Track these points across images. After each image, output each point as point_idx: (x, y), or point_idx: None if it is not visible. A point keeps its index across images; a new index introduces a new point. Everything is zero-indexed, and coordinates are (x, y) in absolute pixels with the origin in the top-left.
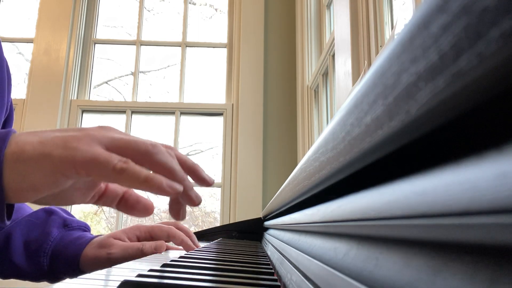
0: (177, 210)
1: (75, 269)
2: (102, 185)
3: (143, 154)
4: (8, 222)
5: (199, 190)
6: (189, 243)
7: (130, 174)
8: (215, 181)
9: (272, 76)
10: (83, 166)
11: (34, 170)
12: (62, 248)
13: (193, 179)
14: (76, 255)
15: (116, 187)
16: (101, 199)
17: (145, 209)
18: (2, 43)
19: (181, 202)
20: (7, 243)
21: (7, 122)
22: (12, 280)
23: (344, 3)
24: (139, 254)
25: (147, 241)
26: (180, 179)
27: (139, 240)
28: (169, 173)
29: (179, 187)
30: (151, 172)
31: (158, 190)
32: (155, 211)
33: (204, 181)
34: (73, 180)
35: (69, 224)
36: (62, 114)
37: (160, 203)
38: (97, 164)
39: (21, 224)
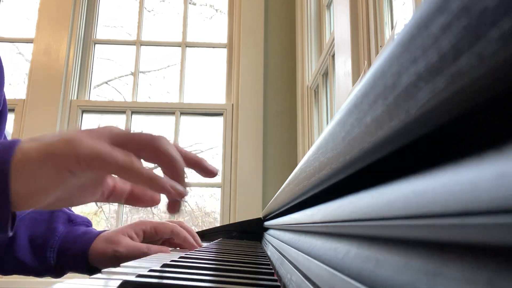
0: (174, 204)
1: (84, 263)
2: (111, 182)
3: (147, 141)
4: (11, 233)
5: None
6: (191, 241)
7: (134, 169)
8: (215, 181)
9: (272, 76)
10: (87, 161)
11: (40, 171)
12: (70, 243)
13: (198, 172)
14: (85, 249)
15: (124, 182)
16: (111, 196)
17: (152, 200)
18: (1, 43)
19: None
20: (12, 239)
21: (1, 116)
22: (12, 276)
23: (344, 3)
24: (142, 256)
25: (152, 236)
26: (181, 171)
27: (145, 234)
28: (171, 161)
29: (181, 188)
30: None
31: (161, 188)
32: (155, 211)
33: (209, 172)
34: (79, 177)
35: (73, 220)
36: (62, 114)
37: (160, 203)
38: (100, 159)
39: (25, 221)
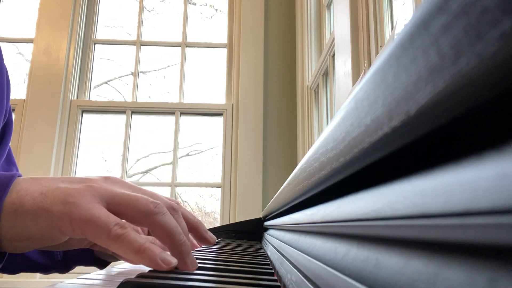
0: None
1: (90, 256)
2: None
3: (143, 213)
4: None
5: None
6: (194, 242)
7: (124, 242)
8: (215, 181)
9: (272, 76)
10: (80, 225)
11: (31, 224)
12: None
13: (194, 237)
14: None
15: None
16: (97, 245)
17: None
18: (2, 48)
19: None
20: None
21: (6, 127)
22: (14, 276)
23: (344, 3)
24: None
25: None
26: (177, 243)
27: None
28: (167, 236)
29: (174, 262)
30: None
31: (151, 263)
32: None
33: (205, 241)
34: (69, 237)
35: None
36: (62, 114)
37: None
38: (93, 225)
39: None
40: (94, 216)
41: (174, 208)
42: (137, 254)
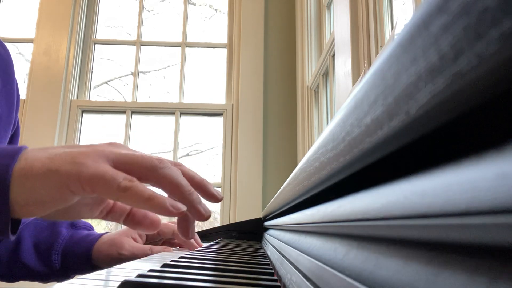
0: (185, 228)
1: (87, 265)
2: (110, 200)
3: (149, 168)
4: (12, 237)
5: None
6: (192, 242)
7: (133, 193)
8: (215, 182)
9: (272, 76)
10: (89, 182)
11: (41, 186)
12: (73, 245)
13: (201, 195)
14: (88, 251)
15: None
16: (109, 215)
17: (152, 225)
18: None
19: (189, 220)
20: (17, 246)
21: (14, 137)
22: (16, 283)
23: (344, 3)
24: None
25: (155, 237)
26: (186, 193)
27: (147, 235)
28: (176, 187)
29: (183, 207)
30: (157, 190)
31: (161, 209)
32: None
33: (213, 197)
34: (80, 196)
35: (76, 224)
36: (62, 114)
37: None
38: (102, 181)
39: (29, 227)
40: (102, 171)
41: (177, 165)
42: (147, 202)
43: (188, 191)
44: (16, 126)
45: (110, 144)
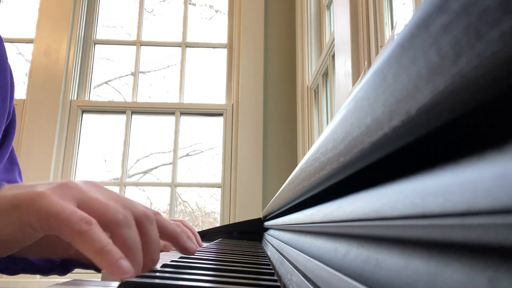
0: (182, 250)
1: (88, 259)
2: None
3: (109, 221)
4: None
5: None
6: (193, 241)
7: (88, 239)
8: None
9: (272, 76)
10: (46, 219)
11: (5, 223)
12: None
13: (174, 247)
14: None
15: None
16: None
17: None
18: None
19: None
20: None
21: (9, 127)
22: (13, 277)
23: (344, 3)
24: None
25: None
26: (135, 260)
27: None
28: (128, 250)
29: (131, 272)
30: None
31: (108, 268)
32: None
33: (185, 250)
34: (42, 234)
35: None
36: (62, 114)
37: (160, 204)
38: (58, 218)
39: None
40: (60, 209)
41: (148, 218)
42: (97, 254)
43: (137, 259)
44: (11, 115)
45: (88, 182)
